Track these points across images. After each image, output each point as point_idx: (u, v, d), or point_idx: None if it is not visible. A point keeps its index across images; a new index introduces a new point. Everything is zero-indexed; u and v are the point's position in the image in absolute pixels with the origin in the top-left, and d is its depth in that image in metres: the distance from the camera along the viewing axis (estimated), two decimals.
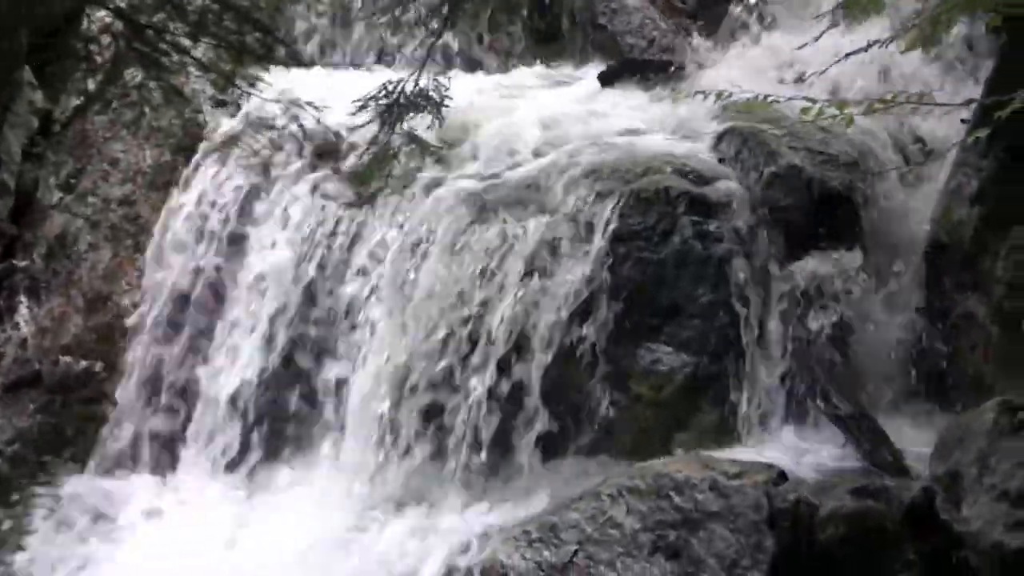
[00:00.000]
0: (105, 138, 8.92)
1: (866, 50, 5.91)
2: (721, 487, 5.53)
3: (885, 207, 7.61)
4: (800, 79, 8.56)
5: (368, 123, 7.67)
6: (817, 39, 6.76)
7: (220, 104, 9.21)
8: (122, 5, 7.80)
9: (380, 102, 7.57)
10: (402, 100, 7.53)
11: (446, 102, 7.65)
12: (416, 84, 7.53)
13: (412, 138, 7.62)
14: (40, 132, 8.95)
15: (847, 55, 6.31)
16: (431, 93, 7.60)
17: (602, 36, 10.38)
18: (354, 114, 7.62)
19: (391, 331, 7.47)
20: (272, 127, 8.70)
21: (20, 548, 7.21)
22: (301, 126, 8.07)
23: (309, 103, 7.79)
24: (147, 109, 8.46)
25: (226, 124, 8.95)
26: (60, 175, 8.84)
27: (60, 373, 8.14)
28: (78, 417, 8.07)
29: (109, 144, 8.91)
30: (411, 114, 7.55)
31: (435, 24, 7.95)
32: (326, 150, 8.42)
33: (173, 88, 7.70)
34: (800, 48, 7.46)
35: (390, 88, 7.56)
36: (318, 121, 7.93)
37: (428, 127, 7.67)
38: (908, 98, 6.29)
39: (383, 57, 10.86)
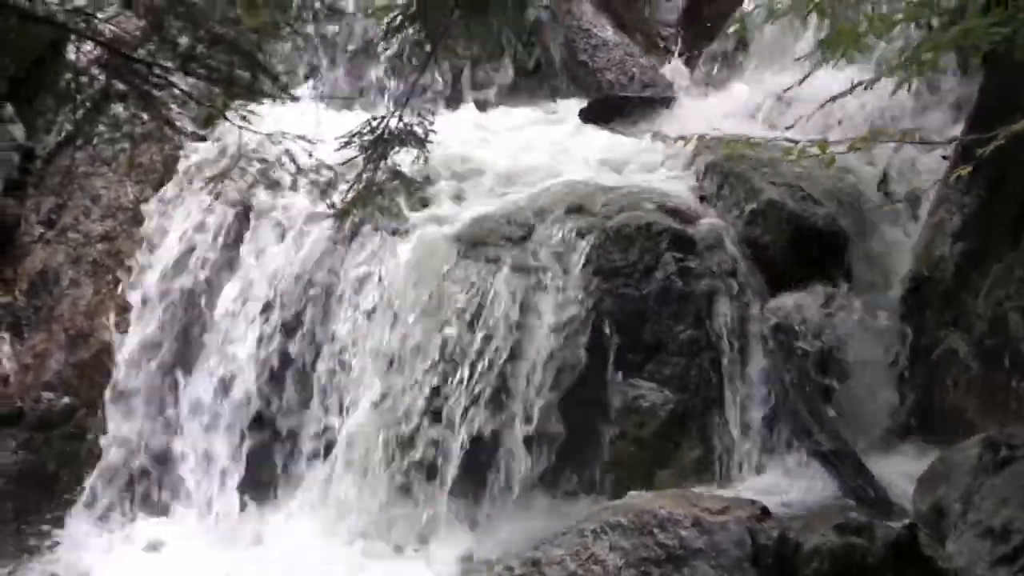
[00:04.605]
0: (87, 174, 8.90)
1: (851, 92, 5.93)
2: (704, 524, 5.50)
3: (868, 242, 7.64)
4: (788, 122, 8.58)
5: (353, 159, 7.65)
6: (801, 82, 6.78)
7: (200, 139, 9.21)
8: (108, 36, 7.76)
9: (364, 138, 7.54)
10: (386, 136, 7.50)
11: (430, 137, 7.63)
12: (400, 120, 7.51)
13: (396, 174, 7.60)
14: (22, 168, 8.94)
15: (833, 98, 6.34)
16: (415, 128, 7.57)
17: (582, 72, 10.40)
18: (338, 150, 7.60)
19: (379, 371, 7.44)
20: (261, 161, 8.65)
21: None
22: (294, 160, 8.04)
23: (301, 136, 7.77)
24: (127, 145, 8.41)
25: (208, 159, 8.94)
26: (41, 211, 8.82)
27: (42, 410, 8.12)
28: (61, 454, 8.05)
29: (91, 180, 8.90)
30: (396, 149, 7.51)
31: (417, 60, 7.92)
32: (314, 185, 8.37)
33: (166, 120, 7.65)
34: (787, 90, 7.50)
35: (374, 124, 7.53)
36: (310, 155, 7.91)
37: (413, 163, 7.66)
38: (891, 135, 6.33)
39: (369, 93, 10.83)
